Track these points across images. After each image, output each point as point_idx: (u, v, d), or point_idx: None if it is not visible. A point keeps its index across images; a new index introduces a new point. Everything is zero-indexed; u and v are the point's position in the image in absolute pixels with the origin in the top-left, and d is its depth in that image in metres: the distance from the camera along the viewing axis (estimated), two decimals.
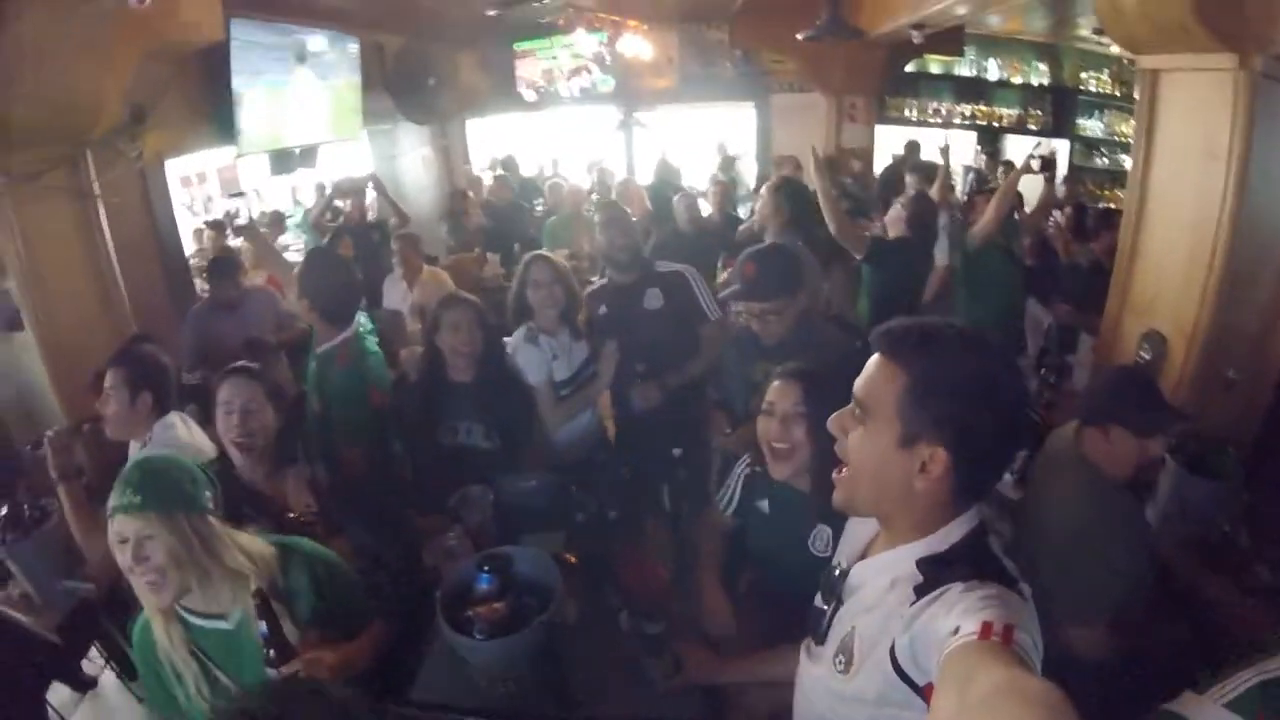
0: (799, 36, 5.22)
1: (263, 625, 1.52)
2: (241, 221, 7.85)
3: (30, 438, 3.19)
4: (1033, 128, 8.01)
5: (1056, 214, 4.90)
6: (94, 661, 3.12)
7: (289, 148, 5.37)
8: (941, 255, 4.39)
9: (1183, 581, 2.31)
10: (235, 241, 5.89)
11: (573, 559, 2.30)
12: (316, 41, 5.24)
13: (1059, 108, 7.97)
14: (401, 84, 6.68)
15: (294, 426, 2.46)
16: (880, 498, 1.15)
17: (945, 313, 4.51)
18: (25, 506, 2.70)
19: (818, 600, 1.35)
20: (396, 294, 4.86)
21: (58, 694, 3.03)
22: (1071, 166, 7.71)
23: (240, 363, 2.41)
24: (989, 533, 1.14)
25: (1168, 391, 2.84)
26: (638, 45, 6.62)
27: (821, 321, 3.00)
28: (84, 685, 3.14)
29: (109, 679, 3.13)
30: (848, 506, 1.21)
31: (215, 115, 4.50)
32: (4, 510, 2.67)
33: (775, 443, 1.97)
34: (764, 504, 2.13)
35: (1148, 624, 2.08)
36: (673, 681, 1.82)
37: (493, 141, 9.30)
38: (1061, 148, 7.77)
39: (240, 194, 7.44)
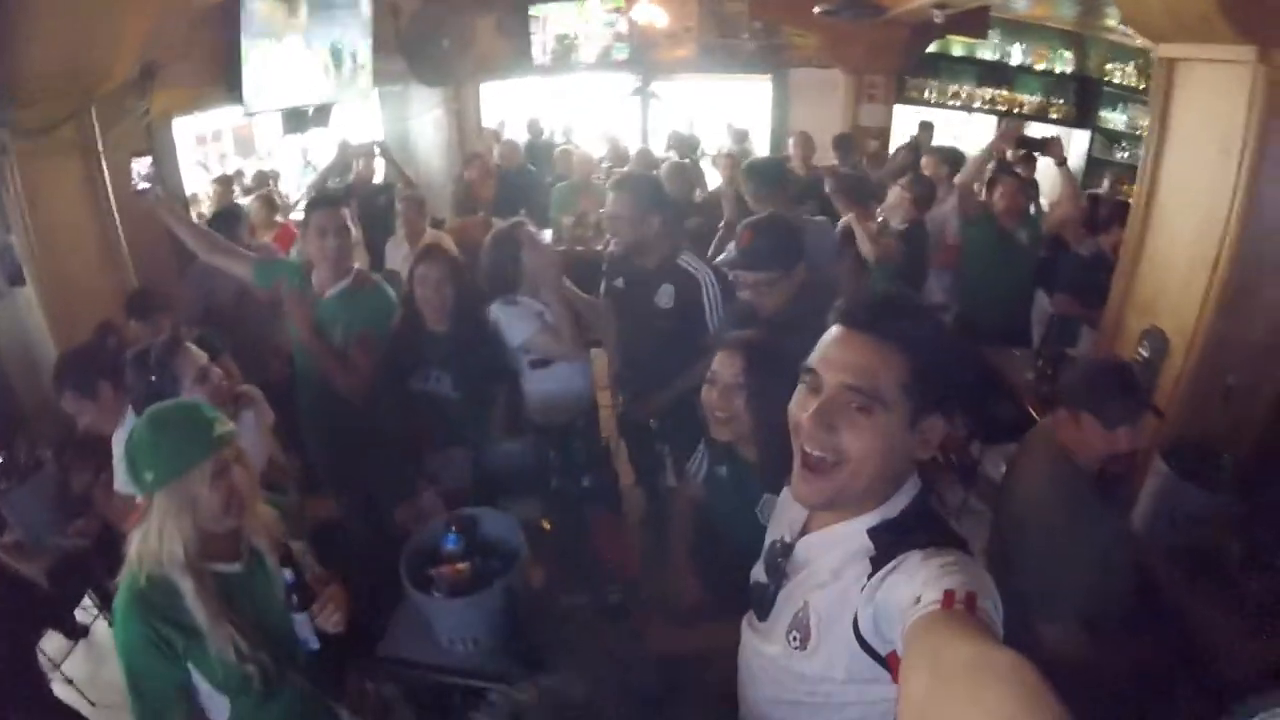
0: (816, 11, 5.15)
1: (287, 573, 1.61)
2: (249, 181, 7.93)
3: (34, 390, 3.25)
4: (1054, 116, 7.80)
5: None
6: (87, 610, 3.20)
7: (301, 107, 5.35)
8: (952, 234, 4.43)
9: (1167, 592, 2.28)
10: (244, 200, 5.92)
11: (548, 525, 2.35)
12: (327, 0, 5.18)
13: (1082, 98, 7.74)
14: (415, 45, 6.57)
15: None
16: (877, 483, 1.10)
17: (949, 291, 4.51)
18: (21, 456, 2.77)
19: (758, 574, 1.33)
20: (398, 256, 4.85)
21: (51, 642, 3.12)
22: (1090, 159, 7.54)
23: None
24: (930, 492, 1.15)
25: (1164, 392, 2.83)
26: (653, 13, 6.50)
27: (828, 298, 2.94)
28: (77, 633, 3.21)
29: (101, 627, 3.21)
30: (835, 501, 1.13)
31: (225, 74, 4.47)
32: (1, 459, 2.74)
33: (716, 411, 1.97)
34: (722, 470, 2.12)
35: (1128, 633, 2.06)
36: (631, 649, 1.86)
37: (507, 105, 9.21)
38: (1081, 139, 7.62)
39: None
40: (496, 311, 2.88)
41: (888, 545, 1.06)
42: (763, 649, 1.28)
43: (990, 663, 0.73)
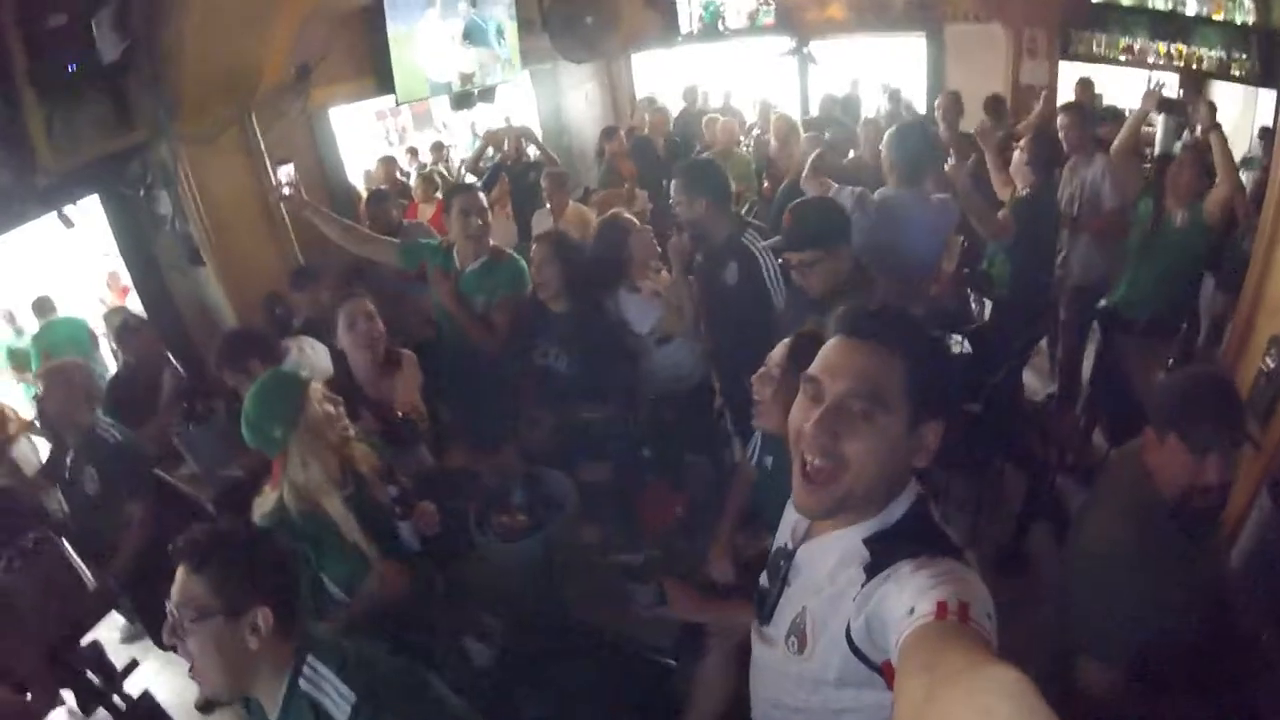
0: None
1: (392, 489, 2.09)
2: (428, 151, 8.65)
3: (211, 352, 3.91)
4: (1237, 73, 6.63)
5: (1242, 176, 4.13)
6: None
7: (465, 88, 5.82)
8: (1108, 198, 3.99)
9: (1255, 643, 1.99)
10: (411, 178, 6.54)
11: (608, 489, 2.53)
12: None
13: (1268, 52, 6.46)
14: (559, 24, 6.78)
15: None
16: (877, 489, 1.10)
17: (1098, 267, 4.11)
18: (198, 405, 3.35)
19: (763, 579, 1.35)
20: (544, 228, 5.16)
21: None
22: (1278, 124, 6.43)
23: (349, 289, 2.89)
24: (929, 501, 1.15)
25: None
26: None
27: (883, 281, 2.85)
28: None
29: None
30: (837, 509, 1.12)
31: (375, 67, 4.94)
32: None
33: (755, 395, 2.01)
34: (769, 460, 2.18)
35: (1194, 694, 1.77)
36: (655, 610, 2.00)
37: (660, 75, 9.28)
38: (1268, 99, 6.47)
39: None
40: (624, 300, 3.08)
41: (882, 554, 1.07)
42: (765, 653, 1.31)
43: (987, 675, 0.73)
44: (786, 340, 1.99)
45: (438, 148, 8.61)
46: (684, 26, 7.81)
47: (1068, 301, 4.25)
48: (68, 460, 2.98)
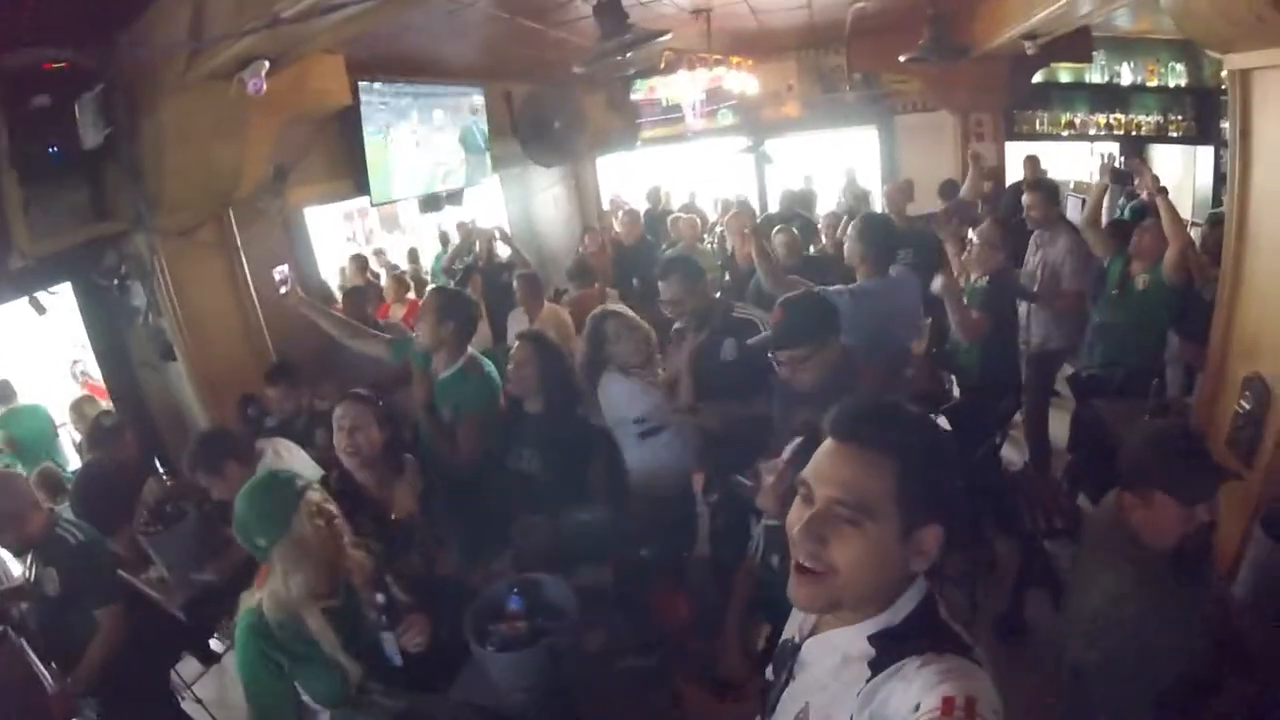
0: (901, 59, 5.12)
1: (379, 596, 1.98)
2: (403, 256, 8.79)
3: (182, 451, 3.80)
4: (1175, 134, 7.26)
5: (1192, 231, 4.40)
6: (220, 640, 3.63)
7: (434, 191, 5.96)
8: (1068, 278, 4.20)
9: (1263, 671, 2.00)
10: (380, 278, 6.62)
11: (610, 592, 2.47)
12: (442, 95, 5.75)
13: (1202, 111, 7.13)
14: (529, 130, 7.07)
15: (400, 444, 2.82)
16: (874, 592, 1.09)
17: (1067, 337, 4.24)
18: (167, 505, 3.23)
19: (768, 674, 1.33)
20: (518, 329, 5.19)
21: (187, 665, 3.56)
22: (1218, 175, 6.87)
23: (354, 390, 2.80)
24: (938, 599, 1.12)
25: (1266, 449, 2.58)
26: (745, 81, 6.71)
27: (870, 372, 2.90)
28: (209, 660, 3.64)
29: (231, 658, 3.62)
30: (830, 608, 1.13)
31: (351, 169, 5.04)
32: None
33: (759, 478, 2.05)
34: (775, 559, 2.15)
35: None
36: (670, 714, 1.92)
37: (627, 176, 9.64)
38: (1206, 155, 6.99)
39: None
40: (611, 385, 3.07)
41: (888, 651, 1.05)
42: None
43: None
44: (796, 441, 2.00)
45: (413, 254, 8.78)
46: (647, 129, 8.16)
47: (1030, 368, 4.43)
48: (29, 560, 2.82)
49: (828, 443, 1.10)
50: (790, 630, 1.31)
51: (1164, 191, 3.75)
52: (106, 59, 2.95)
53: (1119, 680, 1.70)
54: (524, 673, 2.06)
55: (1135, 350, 3.87)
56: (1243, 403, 2.69)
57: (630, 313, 3.17)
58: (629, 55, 3.22)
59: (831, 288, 3.24)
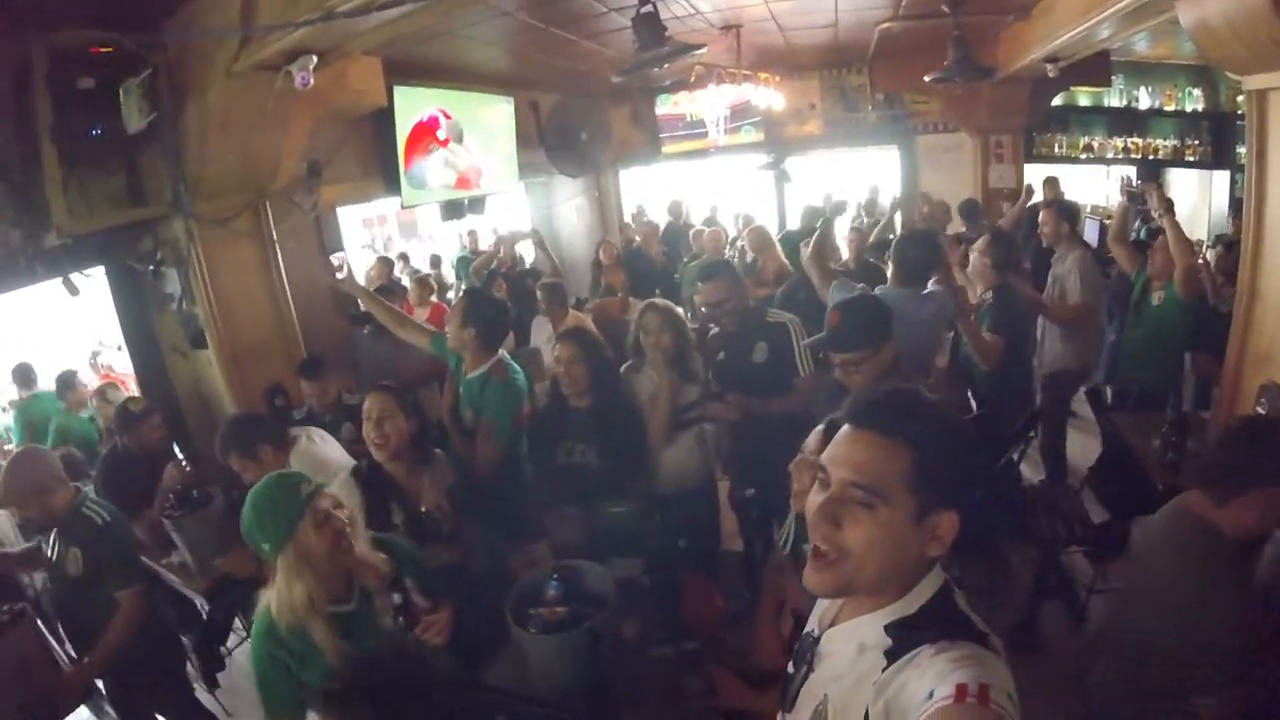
0: (926, 79, 5.18)
1: (395, 596, 1.96)
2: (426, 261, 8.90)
3: (209, 436, 3.84)
4: (1191, 158, 7.37)
5: (1206, 252, 4.46)
6: (236, 632, 3.65)
7: (457, 198, 6.04)
8: (1074, 292, 4.22)
9: None
10: (405, 279, 6.71)
11: (646, 583, 2.52)
12: (473, 102, 5.86)
13: (1218, 136, 7.25)
14: (555, 139, 7.18)
15: (427, 438, 2.82)
16: (888, 576, 1.09)
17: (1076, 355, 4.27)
18: (194, 490, 3.26)
19: (790, 666, 1.33)
20: (543, 334, 5.22)
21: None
22: (1233, 199, 6.92)
23: (382, 382, 2.85)
24: (955, 589, 1.12)
25: None
26: (771, 97, 6.78)
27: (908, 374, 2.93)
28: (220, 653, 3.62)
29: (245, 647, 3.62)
30: (844, 592, 1.15)
31: (383, 170, 5.15)
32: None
33: (795, 482, 2.04)
34: (805, 549, 2.18)
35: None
36: (704, 701, 1.94)
37: (648, 188, 9.73)
38: (1222, 179, 7.10)
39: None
40: (643, 379, 3.13)
41: (903, 639, 1.06)
42: None
43: None
44: (820, 428, 2.01)
45: (435, 260, 8.88)
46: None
47: (1044, 389, 4.47)
48: (51, 539, 2.81)
49: (844, 429, 1.13)
50: (811, 622, 1.32)
51: (1171, 212, 3.82)
52: (154, 44, 3.01)
53: (1209, 662, 1.79)
54: (565, 655, 2.08)
55: (1153, 365, 3.93)
56: (1259, 408, 2.76)
57: (673, 308, 3.21)
58: (664, 67, 3.28)
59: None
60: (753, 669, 2.03)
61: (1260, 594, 1.92)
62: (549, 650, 2.09)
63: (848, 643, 1.15)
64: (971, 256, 4.07)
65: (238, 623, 3.59)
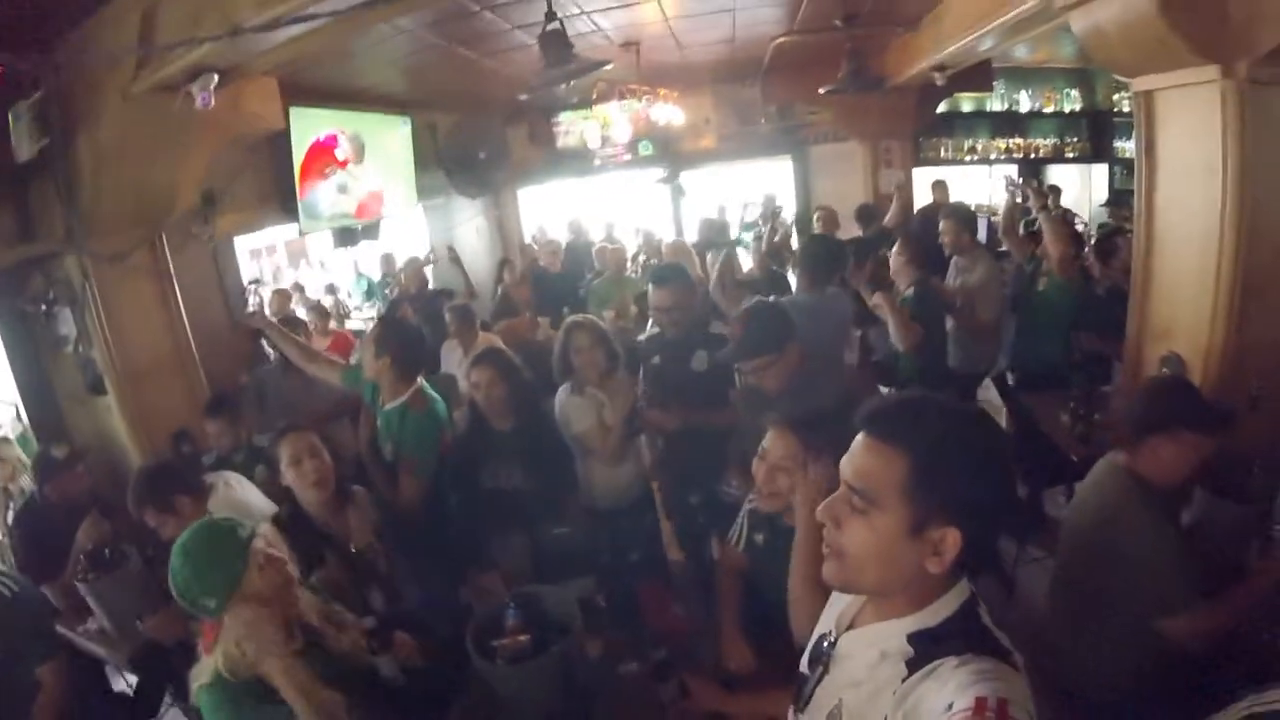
0: (821, 91, 5.41)
1: (368, 620, 1.97)
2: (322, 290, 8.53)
3: (115, 488, 3.52)
4: (1070, 155, 7.99)
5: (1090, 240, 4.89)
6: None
7: (351, 225, 5.80)
8: (985, 309, 4.43)
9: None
10: (300, 312, 6.39)
11: (602, 602, 2.44)
12: (371, 124, 5.68)
13: (1095, 133, 7.92)
14: (453, 160, 7.06)
15: (345, 474, 2.72)
16: (887, 582, 1.10)
17: (980, 351, 4.54)
18: (107, 549, 2.98)
19: (803, 665, 1.33)
20: (453, 359, 5.08)
21: None
22: (1113, 190, 7.62)
23: (291, 422, 2.72)
24: (980, 603, 1.12)
25: None
26: (671, 112, 6.91)
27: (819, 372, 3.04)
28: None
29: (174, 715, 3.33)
30: (849, 589, 1.18)
31: (279, 197, 4.89)
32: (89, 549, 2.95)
33: (764, 485, 2.09)
34: (759, 537, 2.24)
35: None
36: (678, 706, 1.91)
37: (545, 208, 9.67)
38: (1101, 173, 7.79)
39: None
40: (561, 399, 3.10)
41: (925, 651, 1.06)
42: None
43: None
44: (781, 431, 2.08)
45: (331, 289, 8.52)
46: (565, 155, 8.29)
47: (951, 388, 4.59)
48: None
49: (859, 434, 1.13)
50: (827, 623, 1.31)
51: (1046, 207, 4.28)
52: (46, 65, 2.78)
53: (1169, 588, 1.99)
54: (538, 683, 2.03)
55: (1045, 346, 4.23)
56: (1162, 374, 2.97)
57: (600, 323, 3.20)
58: (570, 84, 3.30)
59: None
60: (724, 672, 2.07)
61: (1189, 532, 2.23)
62: (520, 679, 2.04)
63: (867, 648, 1.15)
64: (891, 258, 4.30)
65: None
